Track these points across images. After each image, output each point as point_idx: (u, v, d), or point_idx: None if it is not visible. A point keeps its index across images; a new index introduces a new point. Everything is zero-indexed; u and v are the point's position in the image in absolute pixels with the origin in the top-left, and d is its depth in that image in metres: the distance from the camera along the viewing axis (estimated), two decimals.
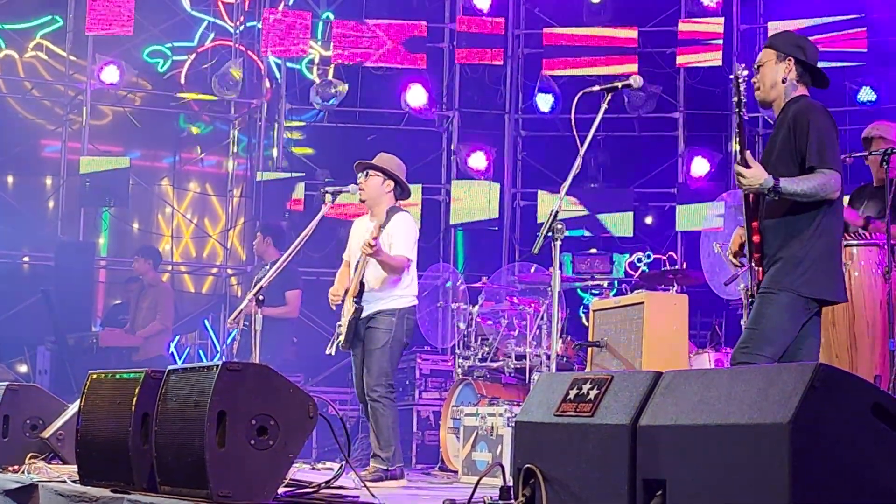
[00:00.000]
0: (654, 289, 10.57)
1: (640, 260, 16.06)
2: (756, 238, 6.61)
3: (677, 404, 4.64)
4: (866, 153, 8.42)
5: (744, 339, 6.48)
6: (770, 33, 15.59)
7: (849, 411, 4.18)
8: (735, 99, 6.65)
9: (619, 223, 16.15)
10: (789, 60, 6.73)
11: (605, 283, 13.31)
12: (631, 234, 16.12)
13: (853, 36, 15.36)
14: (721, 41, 15.92)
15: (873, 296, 7.66)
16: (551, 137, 16.48)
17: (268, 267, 11.85)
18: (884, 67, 15.52)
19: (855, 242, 7.79)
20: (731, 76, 6.71)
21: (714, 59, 15.69)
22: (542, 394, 5.43)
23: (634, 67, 15.78)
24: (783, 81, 6.73)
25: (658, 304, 9.46)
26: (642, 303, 9.59)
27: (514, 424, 5.57)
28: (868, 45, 15.34)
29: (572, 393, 5.15)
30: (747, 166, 6.43)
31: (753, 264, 6.62)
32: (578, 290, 15.44)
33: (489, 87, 17.22)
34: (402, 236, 9.25)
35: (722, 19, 16.02)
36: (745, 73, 6.66)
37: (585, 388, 5.09)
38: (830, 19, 15.48)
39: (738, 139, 6.73)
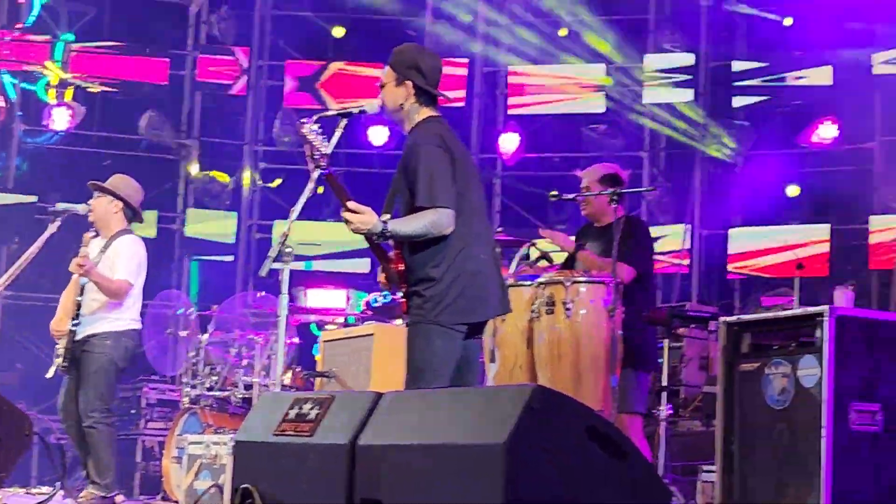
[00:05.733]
0: (385, 321, 10.57)
1: (375, 300, 15.98)
2: (400, 267, 6.33)
3: (398, 424, 4.64)
4: (594, 194, 8.46)
5: (408, 376, 6.21)
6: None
7: (564, 433, 4.24)
8: (309, 155, 6.25)
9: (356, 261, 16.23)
10: (407, 84, 6.45)
11: (341, 320, 13.22)
12: (368, 270, 16.07)
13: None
14: None
15: (599, 333, 7.76)
16: (290, 170, 16.44)
17: None
18: None
19: (584, 279, 7.85)
20: (298, 133, 6.30)
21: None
22: (262, 413, 5.38)
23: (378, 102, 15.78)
24: (401, 107, 6.47)
25: (387, 335, 9.47)
26: (372, 334, 9.61)
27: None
28: None
29: (293, 412, 5.11)
30: (354, 212, 6.16)
31: (401, 296, 6.37)
32: (313, 328, 15.33)
33: (230, 116, 17.10)
34: (125, 259, 9.09)
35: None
36: (313, 125, 6.25)
37: (306, 407, 5.06)
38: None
39: (335, 192, 6.37)
